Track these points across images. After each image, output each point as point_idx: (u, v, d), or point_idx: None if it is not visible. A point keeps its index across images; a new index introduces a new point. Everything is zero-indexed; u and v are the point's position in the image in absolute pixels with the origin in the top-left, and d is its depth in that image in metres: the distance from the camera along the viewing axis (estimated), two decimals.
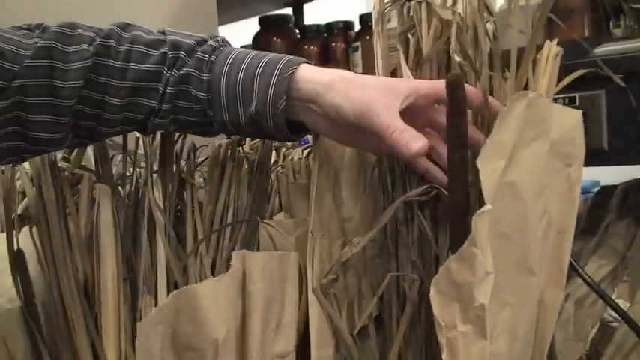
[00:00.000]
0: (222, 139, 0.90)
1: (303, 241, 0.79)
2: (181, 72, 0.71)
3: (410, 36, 0.75)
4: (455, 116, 0.61)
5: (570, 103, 0.97)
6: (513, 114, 0.60)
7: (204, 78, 0.71)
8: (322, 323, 0.67)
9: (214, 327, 0.69)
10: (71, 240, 0.81)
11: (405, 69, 0.73)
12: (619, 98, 0.96)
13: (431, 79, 0.72)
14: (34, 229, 0.83)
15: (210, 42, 0.73)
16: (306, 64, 0.70)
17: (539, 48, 0.76)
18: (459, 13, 0.72)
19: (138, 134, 0.87)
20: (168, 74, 0.71)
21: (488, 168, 0.59)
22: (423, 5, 0.73)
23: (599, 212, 1.03)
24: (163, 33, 0.74)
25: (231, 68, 0.71)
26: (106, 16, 1.31)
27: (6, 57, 0.68)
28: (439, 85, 0.66)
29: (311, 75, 0.69)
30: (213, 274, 0.80)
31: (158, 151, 0.87)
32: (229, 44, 0.75)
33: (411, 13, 0.74)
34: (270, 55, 0.71)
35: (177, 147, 0.88)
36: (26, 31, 0.73)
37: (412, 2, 0.74)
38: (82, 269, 0.79)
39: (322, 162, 0.75)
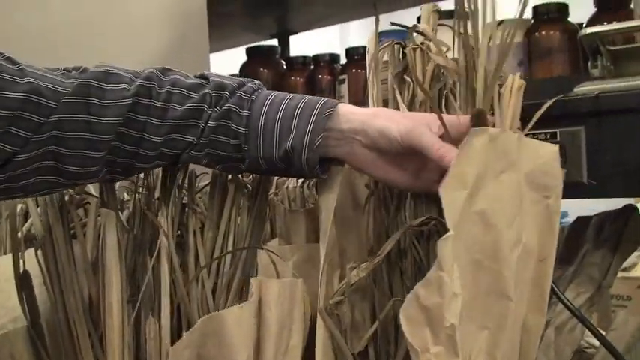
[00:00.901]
0: None
1: (299, 266, 0.83)
2: (223, 108, 0.76)
3: (406, 77, 0.80)
4: None
5: (552, 138, 1.02)
6: (473, 148, 0.64)
7: (244, 114, 0.75)
8: (327, 345, 0.71)
9: (237, 351, 0.73)
10: (76, 262, 0.84)
11: (403, 107, 0.77)
12: (598, 134, 1.02)
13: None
14: (39, 250, 0.85)
15: (249, 84, 0.78)
16: (344, 103, 0.76)
17: None
18: (453, 59, 0.76)
19: None
20: (210, 111, 0.76)
21: (450, 196, 0.62)
22: (418, 50, 0.78)
23: (576, 242, 1.09)
24: (203, 77, 0.79)
25: (270, 106, 0.75)
26: (100, 47, 1.36)
27: (44, 94, 0.70)
28: (457, 120, 0.71)
29: (354, 110, 0.75)
30: (214, 297, 0.84)
31: (160, 178, 0.90)
32: (265, 88, 0.80)
33: (407, 56, 0.79)
34: (309, 97, 0.76)
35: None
36: (63, 72, 0.76)
37: (408, 48, 0.78)
38: (88, 291, 0.81)
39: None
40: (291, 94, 0.78)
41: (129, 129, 0.74)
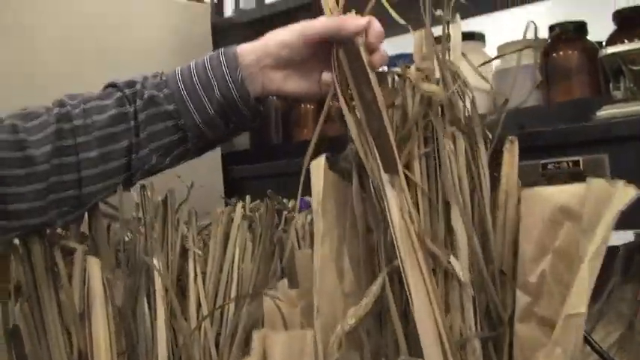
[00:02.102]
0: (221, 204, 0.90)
1: (307, 311, 0.78)
2: (144, 98, 0.77)
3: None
4: (360, 80, 0.67)
5: (574, 166, 0.96)
6: None
7: (165, 93, 0.78)
8: None
9: None
10: (64, 313, 0.79)
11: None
12: (622, 161, 0.96)
13: (418, 143, 0.73)
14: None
15: (151, 73, 0.81)
16: (241, 45, 0.79)
17: None
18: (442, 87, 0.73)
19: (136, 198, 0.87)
20: (132, 107, 0.78)
21: None
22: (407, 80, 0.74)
23: (603, 275, 1.02)
24: (109, 85, 0.81)
25: (182, 74, 0.78)
26: (107, 74, 1.32)
27: None
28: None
29: (251, 44, 0.78)
30: (217, 348, 0.79)
31: (158, 217, 0.85)
32: None
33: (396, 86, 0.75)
34: (210, 53, 0.80)
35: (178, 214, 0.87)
36: None
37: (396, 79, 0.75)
38: (77, 344, 0.76)
39: (325, 233, 0.74)
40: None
41: (63, 156, 0.75)
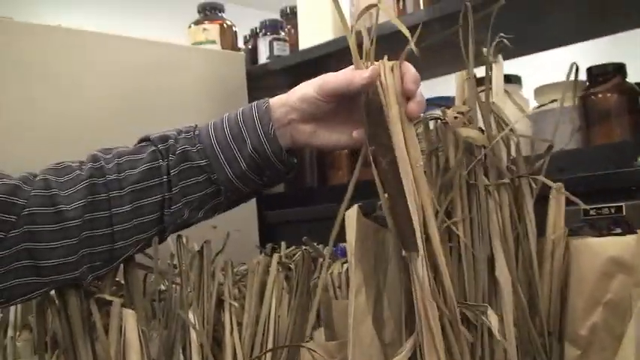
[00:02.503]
0: (257, 255, 0.89)
1: None
2: (177, 153, 0.77)
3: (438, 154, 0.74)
4: (375, 127, 0.66)
5: (617, 212, 0.94)
6: None
7: (198, 147, 0.77)
8: None
9: None
10: None
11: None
12: None
13: (460, 192, 0.72)
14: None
15: (186, 126, 0.81)
16: (273, 98, 0.79)
17: None
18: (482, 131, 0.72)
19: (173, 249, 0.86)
20: (165, 162, 0.77)
21: None
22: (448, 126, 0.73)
23: None
24: (142, 140, 0.81)
25: (215, 129, 0.78)
26: (147, 123, 1.35)
27: (16, 193, 0.72)
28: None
29: (281, 97, 0.78)
30: None
31: (194, 267, 0.85)
32: None
33: (438, 133, 0.74)
34: (241, 108, 0.80)
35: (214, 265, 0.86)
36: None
37: (437, 123, 0.74)
38: None
39: (360, 284, 0.72)
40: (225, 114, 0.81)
41: (95, 212, 0.75)
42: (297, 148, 0.80)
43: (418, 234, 0.65)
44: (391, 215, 0.67)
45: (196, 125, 0.80)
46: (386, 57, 0.71)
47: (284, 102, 0.77)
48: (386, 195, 0.68)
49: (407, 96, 0.69)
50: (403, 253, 0.66)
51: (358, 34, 0.70)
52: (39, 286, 0.74)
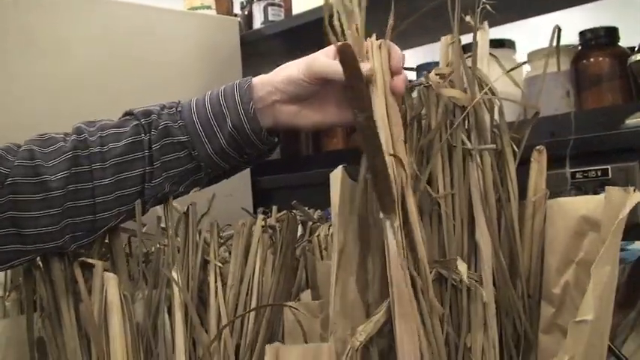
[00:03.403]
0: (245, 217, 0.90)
1: (328, 323, 0.76)
2: (159, 128, 0.79)
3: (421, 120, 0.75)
4: (351, 79, 0.65)
5: (603, 175, 0.94)
6: None
7: (180, 124, 0.79)
8: None
9: None
10: (83, 327, 0.80)
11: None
12: None
13: (441, 157, 0.72)
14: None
15: (170, 103, 0.82)
16: (257, 77, 0.80)
17: None
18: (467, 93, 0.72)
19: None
20: (147, 137, 0.79)
21: None
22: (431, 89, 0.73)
23: (638, 284, 1.00)
24: (126, 114, 0.82)
25: (197, 106, 0.80)
26: (141, 88, 1.36)
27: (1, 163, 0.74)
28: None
29: (264, 77, 0.79)
30: (237, 358, 0.78)
31: (180, 229, 0.86)
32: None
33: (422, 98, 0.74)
34: (225, 85, 0.81)
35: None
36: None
37: (420, 87, 0.74)
38: (96, 358, 0.77)
39: (343, 243, 0.73)
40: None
41: (78, 183, 0.76)
42: (281, 127, 0.81)
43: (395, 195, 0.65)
44: (371, 175, 0.68)
45: (179, 101, 0.81)
46: (374, 36, 0.71)
47: (267, 81, 0.78)
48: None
49: (392, 72, 0.69)
50: (381, 215, 0.67)
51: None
52: (23, 254, 0.76)
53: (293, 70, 0.76)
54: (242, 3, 1.79)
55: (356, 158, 0.77)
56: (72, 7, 1.33)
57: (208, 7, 1.62)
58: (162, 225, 0.87)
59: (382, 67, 0.69)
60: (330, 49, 0.75)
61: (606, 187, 0.63)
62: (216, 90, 0.80)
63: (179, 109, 0.80)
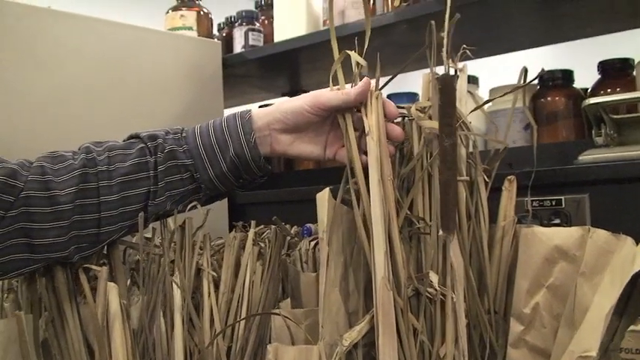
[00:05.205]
0: (226, 232, 0.97)
1: (312, 329, 0.85)
2: (165, 151, 0.85)
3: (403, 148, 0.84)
4: (446, 107, 0.72)
5: (557, 205, 1.04)
6: None
7: (184, 148, 0.86)
8: None
9: None
10: (85, 331, 0.86)
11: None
12: (602, 202, 1.04)
13: (422, 183, 0.81)
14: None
15: (175, 128, 0.89)
16: (255, 109, 0.88)
17: None
18: None
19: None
20: (153, 159, 0.85)
21: None
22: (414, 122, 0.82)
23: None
24: (132, 137, 0.89)
25: (201, 133, 0.87)
26: (125, 107, 1.41)
27: (16, 177, 0.80)
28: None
29: (263, 109, 0.88)
30: None
31: (177, 240, 0.92)
32: None
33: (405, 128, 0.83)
34: (226, 115, 0.88)
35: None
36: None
37: (405, 119, 0.83)
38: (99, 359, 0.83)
39: (331, 258, 0.80)
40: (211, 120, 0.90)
41: (86, 199, 0.82)
42: (275, 155, 0.89)
43: (381, 236, 0.73)
44: (441, 196, 0.76)
45: (183, 128, 0.89)
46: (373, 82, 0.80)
47: (267, 113, 0.86)
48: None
49: (389, 119, 0.80)
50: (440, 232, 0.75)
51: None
52: (32, 262, 0.82)
53: (297, 101, 0.85)
54: (220, 25, 1.86)
55: (324, 178, 0.86)
56: (61, 24, 1.38)
57: (189, 29, 1.69)
58: (157, 237, 0.94)
59: (378, 115, 0.78)
60: (331, 90, 0.83)
61: (591, 228, 0.71)
62: (219, 119, 0.88)
63: (184, 134, 0.87)
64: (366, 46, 0.80)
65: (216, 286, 0.91)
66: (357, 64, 0.80)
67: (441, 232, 0.75)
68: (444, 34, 0.76)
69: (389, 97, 1.50)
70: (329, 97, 0.82)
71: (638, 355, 1.54)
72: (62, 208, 0.81)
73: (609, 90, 1.26)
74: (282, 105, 0.86)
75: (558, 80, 1.31)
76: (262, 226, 1.04)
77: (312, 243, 1.05)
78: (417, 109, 0.83)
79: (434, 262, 0.79)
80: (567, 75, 1.33)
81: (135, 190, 0.84)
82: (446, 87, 0.74)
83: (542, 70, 0.88)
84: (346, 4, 1.45)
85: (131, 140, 0.88)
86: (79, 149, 0.86)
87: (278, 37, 1.61)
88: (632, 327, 1.44)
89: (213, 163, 0.86)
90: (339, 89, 0.82)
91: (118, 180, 0.84)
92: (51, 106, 1.34)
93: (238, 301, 0.90)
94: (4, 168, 0.79)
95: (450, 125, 0.73)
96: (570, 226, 0.84)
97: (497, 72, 1.78)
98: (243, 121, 0.86)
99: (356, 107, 0.81)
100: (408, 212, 0.80)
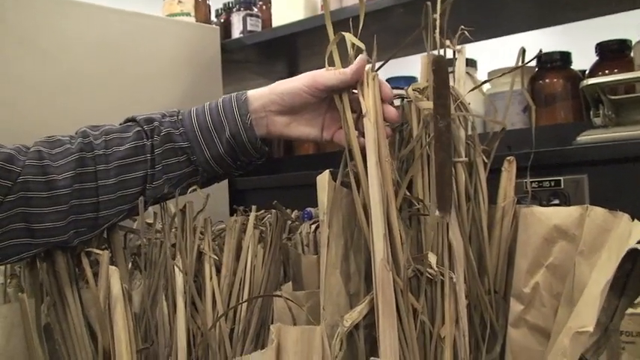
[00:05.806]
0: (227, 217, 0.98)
1: (314, 311, 0.85)
2: (162, 134, 0.86)
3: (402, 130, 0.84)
4: (440, 88, 0.73)
5: (556, 185, 1.05)
6: None
7: (181, 131, 0.86)
8: None
9: None
10: (87, 314, 0.87)
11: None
12: (600, 182, 1.05)
13: (421, 164, 0.80)
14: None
15: (170, 110, 0.89)
16: (251, 91, 0.88)
17: None
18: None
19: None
20: (150, 142, 0.85)
21: None
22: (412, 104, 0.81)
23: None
24: (129, 120, 0.89)
25: (197, 115, 0.87)
26: (124, 94, 1.41)
27: (13, 162, 0.80)
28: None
29: (258, 90, 0.87)
30: (231, 342, 0.86)
31: (178, 225, 0.93)
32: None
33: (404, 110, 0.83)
34: (222, 97, 0.89)
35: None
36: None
37: (404, 101, 0.83)
38: (102, 342, 0.84)
39: (331, 240, 0.81)
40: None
41: (84, 183, 0.82)
42: (271, 137, 0.89)
43: (380, 217, 0.74)
44: (436, 177, 0.76)
45: (179, 110, 0.89)
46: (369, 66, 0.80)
47: (263, 95, 0.86)
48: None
49: (385, 101, 0.79)
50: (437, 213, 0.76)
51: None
52: (31, 247, 0.82)
53: (294, 82, 0.84)
54: (217, 11, 1.86)
55: (324, 163, 0.86)
56: (58, 11, 1.37)
57: (187, 14, 1.69)
58: (159, 221, 0.94)
59: (375, 96, 0.77)
60: (327, 70, 0.82)
61: (589, 207, 0.72)
62: (214, 102, 0.88)
63: (180, 117, 0.87)
64: (360, 27, 0.80)
65: (218, 270, 0.92)
66: (353, 45, 0.80)
67: (437, 213, 0.75)
68: (437, 16, 0.77)
69: (388, 80, 1.51)
70: (326, 77, 0.81)
71: (638, 338, 1.55)
72: (60, 192, 0.81)
73: (607, 71, 1.26)
74: (279, 86, 0.86)
75: (556, 62, 1.32)
76: (263, 211, 1.05)
77: (313, 226, 1.05)
78: (414, 90, 0.83)
79: (434, 243, 0.79)
80: (565, 57, 1.33)
81: (132, 173, 0.85)
82: (439, 68, 0.74)
83: (540, 51, 0.89)
84: None
85: (128, 124, 0.88)
86: (75, 133, 0.86)
87: (276, 22, 1.61)
88: (631, 310, 1.46)
89: (210, 145, 0.86)
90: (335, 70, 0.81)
91: (116, 164, 0.84)
92: (50, 93, 1.34)
93: (240, 284, 0.90)
94: (1, 153, 0.79)
95: (444, 106, 0.73)
96: (569, 206, 0.84)
97: (496, 55, 1.77)
98: (239, 102, 0.86)
99: (353, 88, 0.81)
100: (408, 193, 0.80)
